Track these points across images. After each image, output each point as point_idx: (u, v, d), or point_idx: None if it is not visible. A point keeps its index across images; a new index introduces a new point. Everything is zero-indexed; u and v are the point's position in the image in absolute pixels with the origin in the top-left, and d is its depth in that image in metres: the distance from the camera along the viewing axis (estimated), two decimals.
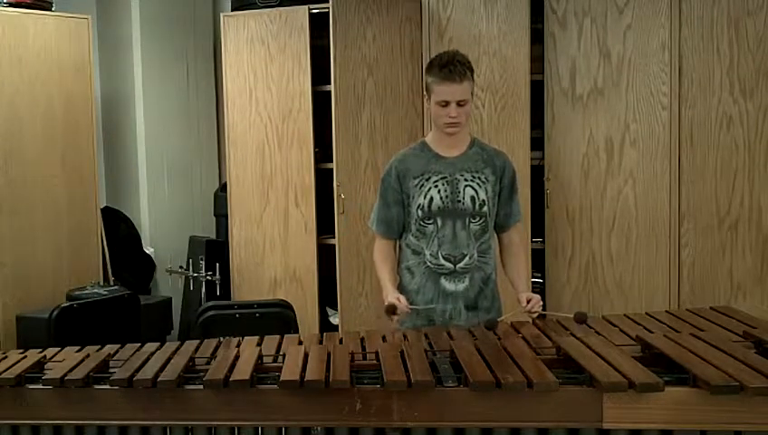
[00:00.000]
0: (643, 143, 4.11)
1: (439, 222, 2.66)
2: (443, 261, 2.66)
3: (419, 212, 2.68)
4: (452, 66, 2.58)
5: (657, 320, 2.49)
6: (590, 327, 2.43)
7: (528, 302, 2.61)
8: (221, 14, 4.57)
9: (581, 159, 4.21)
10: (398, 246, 2.82)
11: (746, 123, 3.96)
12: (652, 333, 2.28)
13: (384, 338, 2.35)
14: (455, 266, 2.66)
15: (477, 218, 2.67)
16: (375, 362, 2.09)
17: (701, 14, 3.98)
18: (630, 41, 4.09)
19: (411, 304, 2.67)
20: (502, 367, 1.98)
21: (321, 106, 4.30)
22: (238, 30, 4.42)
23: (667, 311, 2.77)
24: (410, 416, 1.93)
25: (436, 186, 2.67)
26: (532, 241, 4.26)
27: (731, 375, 1.87)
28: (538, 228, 4.29)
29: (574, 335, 2.26)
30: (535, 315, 2.62)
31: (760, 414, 1.85)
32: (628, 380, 1.87)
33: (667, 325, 2.41)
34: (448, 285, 2.68)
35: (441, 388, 1.94)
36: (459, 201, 2.66)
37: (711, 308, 2.65)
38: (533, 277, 4.30)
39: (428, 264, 2.68)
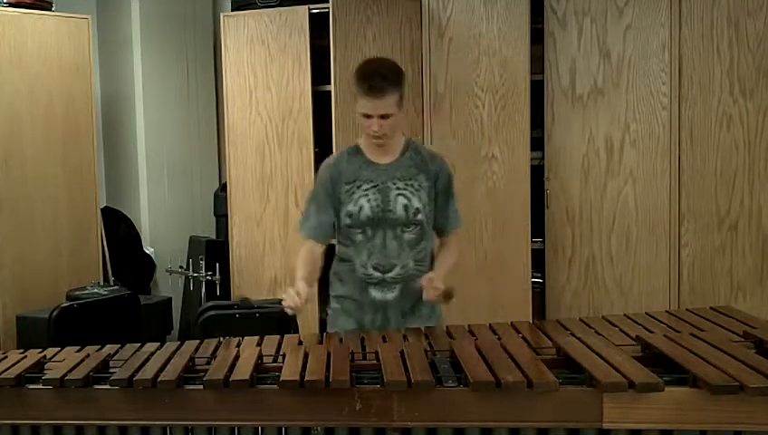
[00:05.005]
0: (643, 143, 4.11)
1: (369, 232, 2.59)
2: (372, 271, 2.59)
3: (347, 220, 2.59)
4: (372, 82, 2.47)
5: (657, 320, 2.48)
6: (590, 327, 2.43)
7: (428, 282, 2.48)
8: (221, 14, 4.57)
9: (581, 159, 4.21)
10: (324, 251, 2.71)
11: (746, 123, 3.96)
12: (652, 333, 2.28)
13: (384, 338, 2.35)
14: (383, 276, 2.58)
15: (412, 227, 2.58)
16: (375, 362, 2.09)
17: (701, 14, 3.98)
18: (630, 41, 4.09)
19: (341, 309, 2.69)
20: (502, 367, 1.98)
21: (321, 106, 4.29)
22: (238, 30, 4.41)
23: (667, 311, 2.77)
24: (410, 416, 1.93)
25: (366, 194, 2.57)
26: (532, 241, 4.26)
27: (731, 375, 1.87)
28: (538, 228, 4.28)
29: (574, 335, 2.26)
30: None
31: (760, 414, 1.85)
32: (629, 380, 1.87)
33: (667, 325, 2.41)
34: (377, 294, 2.61)
35: (441, 388, 1.94)
36: (390, 210, 2.56)
37: (711, 308, 2.64)
38: (534, 277, 4.30)
39: (358, 273, 2.62)
